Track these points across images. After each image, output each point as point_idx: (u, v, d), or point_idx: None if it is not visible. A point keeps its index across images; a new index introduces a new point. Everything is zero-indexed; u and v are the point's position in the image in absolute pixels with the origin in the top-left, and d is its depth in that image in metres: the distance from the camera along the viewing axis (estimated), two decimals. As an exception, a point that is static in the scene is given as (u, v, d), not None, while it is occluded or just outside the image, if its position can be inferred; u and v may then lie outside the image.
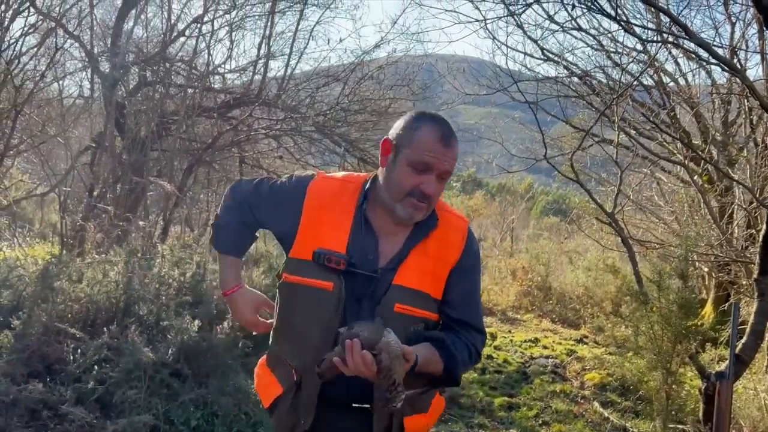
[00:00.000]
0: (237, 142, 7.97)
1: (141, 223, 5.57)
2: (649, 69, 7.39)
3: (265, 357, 1.81)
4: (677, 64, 8.27)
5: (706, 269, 7.79)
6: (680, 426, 3.67)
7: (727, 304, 4.91)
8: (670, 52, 7.14)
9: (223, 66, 8.35)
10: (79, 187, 7.22)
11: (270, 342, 1.78)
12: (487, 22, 5.62)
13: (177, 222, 7.60)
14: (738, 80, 8.04)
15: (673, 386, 3.50)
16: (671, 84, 8.05)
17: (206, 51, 7.91)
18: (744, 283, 4.59)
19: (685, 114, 8.12)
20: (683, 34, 2.63)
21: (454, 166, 1.62)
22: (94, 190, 6.69)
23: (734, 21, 7.46)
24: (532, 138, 10.01)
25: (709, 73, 7.92)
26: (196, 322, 3.71)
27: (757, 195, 6.33)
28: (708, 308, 7.40)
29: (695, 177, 7.35)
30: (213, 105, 7.64)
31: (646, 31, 3.97)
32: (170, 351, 3.56)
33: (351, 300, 1.59)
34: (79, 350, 3.57)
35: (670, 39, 2.90)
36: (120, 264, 4.26)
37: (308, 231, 1.64)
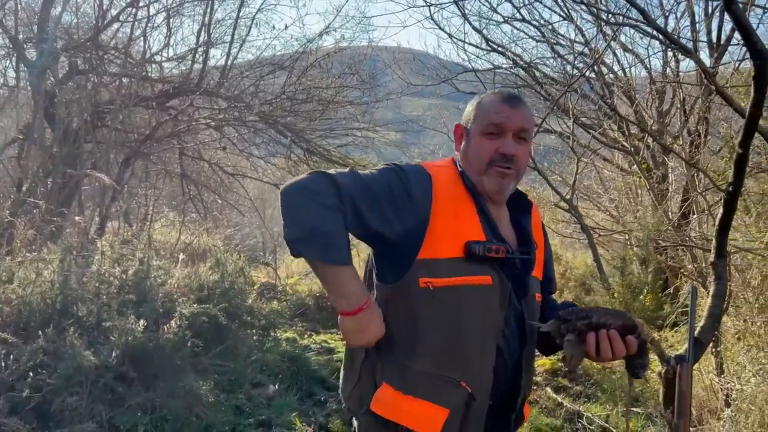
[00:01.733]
0: (177, 132, 7.64)
1: (76, 218, 5.24)
2: (590, 60, 7.56)
3: (388, 387, 1.45)
4: (615, 55, 8.48)
5: (643, 254, 8.07)
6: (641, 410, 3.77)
7: (672, 288, 5.08)
8: (609, 45, 7.28)
9: (160, 54, 7.99)
10: (5, 181, 6.77)
11: (401, 362, 1.45)
12: (432, 9, 5.60)
13: (114, 217, 7.23)
14: (671, 71, 8.36)
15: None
16: (610, 75, 8.25)
17: (142, 38, 7.56)
18: (689, 267, 4.74)
19: (623, 105, 8.35)
20: (641, 18, 2.65)
21: (530, 123, 1.52)
22: (22, 184, 6.27)
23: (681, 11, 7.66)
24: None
25: (645, 66, 8.19)
26: (141, 321, 3.50)
27: (693, 182, 6.62)
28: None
29: (633, 166, 7.59)
30: (150, 94, 7.29)
31: (606, 15, 3.98)
32: (114, 353, 3.36)
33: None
34: (11, 356, 3.31)
35: (629, 22, 2.91)
36: (55, 262, 3.99)
37: (447, 225, 1.44)
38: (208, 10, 7.29)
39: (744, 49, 6.41)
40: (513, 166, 1.50)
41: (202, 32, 7.38)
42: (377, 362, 1.48)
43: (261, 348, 4.52)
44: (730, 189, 2.43)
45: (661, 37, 2.97)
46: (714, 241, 2.58)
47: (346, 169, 1.45)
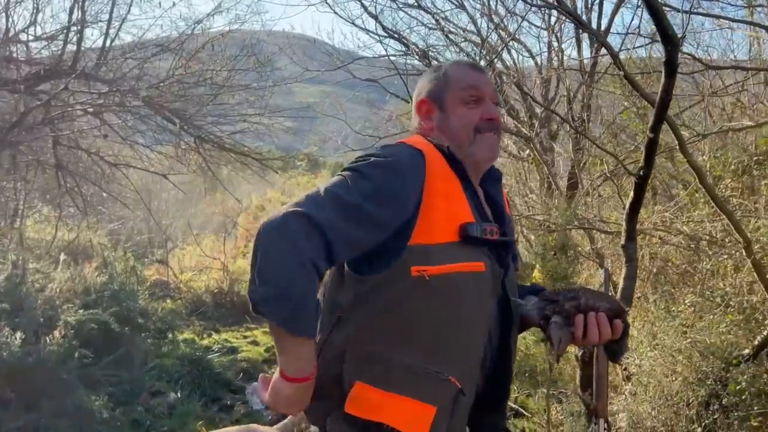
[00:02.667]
0: (50, 119, 6.92)
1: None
2: (483, 51, 7.73)
3: (366, 386, 1.31)
4: (507, 46, 8.71)
5: (533, 237, 8.42)
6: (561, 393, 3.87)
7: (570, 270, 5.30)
8: (500, 35, 7.45)
9: (26, 32, 7.17)
10: None
11: (383, 358, 1.30)
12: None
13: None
14: (557, 59, 8.74)
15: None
16: (500, 63, 8.46)
17: (4, 14, 6.74)
18: (588, 249, 4.95)
19: (513, 93, 8.62)
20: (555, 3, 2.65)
21: None
22: None
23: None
24: (371, 116, 10.08)
25: (532, 56, 8.50)
26: (18, 334, 3.08)
27: (579, 165, 6.99)
28: (536, 274, 8.00)
29: (526, 152, 7.90)
30: (17, 77, 6.53)
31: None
32: (-15, 372, 2.92)
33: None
34: None
35: (541, 3, 2.92)
36: None
37: (440, 206, 1.31)
38: (81, -16, 6.63)
39: (622, 39, 6.83)
40: (497, 131, 1.47)
41: (76, 9, 6.71)
42: (345, 362, 1.33)
43: (158, 353, 4.19)
44: (641, 173, 2.50)
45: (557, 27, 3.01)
46: (624, 225, 2.65)
47: (320, 192, 1.25)
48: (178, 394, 3.80)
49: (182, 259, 9.98)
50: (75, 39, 6.86)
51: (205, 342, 5.47)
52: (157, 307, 5.24)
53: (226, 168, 10.11)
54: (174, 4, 11.73)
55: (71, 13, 6.78)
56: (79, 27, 6.87)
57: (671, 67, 2.21)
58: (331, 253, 1.20)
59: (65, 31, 6.95)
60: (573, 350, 4.11)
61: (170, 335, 4.70)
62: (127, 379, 3.66)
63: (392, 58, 8.20)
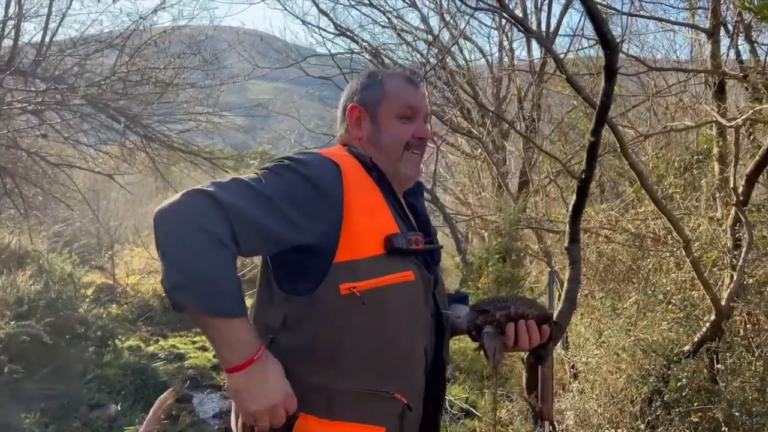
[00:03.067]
0: (-16, 118, 6.59)
1: None
2: (434, 49, 7.76)
3: (310, 417, 1.24)
4: (458, 44, 8.75)
5: (486, 233, 8.51)
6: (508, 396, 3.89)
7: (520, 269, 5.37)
8: (461, 34, 7.48)
9: (-44, 26, 6.80)
10: None
11: (323, 386, 1.25)
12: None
13: None
14: (507, 59, 8.84)
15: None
16: (453, 64, 8.51)
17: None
18: (535, 248, 5.00)
19: (465, 92, 8.67)
20: (498, 6, 2.65)
21: None
22: None
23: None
24: (325, 113, 9.99)
25: (484, 55, 8.57)
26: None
27: (530, 164, 7.09)
28: (482, 279, 8.10)
29: (476, 150, 7.96)
30: (-54, 73, 6.19)
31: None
32: None
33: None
34: None
35: (484, 7, 2.91)
36: None
37: (363, 220, 1.27)
38: (17, -24, 6.34)
39: (570, 40, 6.95)
40: (423, 150, 1.47)
41: (12, 3, 6.42)
42: None
43: (99, 363, 4.02)
44: (583, 176, 2.51)
45: (508, 26, 3.01)
46: (567, 227, 2.67)
47: (227, 179, 1.20)
48: (119, 406, 3.66)
49: (130, 261, 9.67)
50: (12, 33, 6.57)
51: (152, 349, 5.30)
52: (101, 313, 5.04)
53: (177, 167, 9.85)
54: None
55: (7, 6, 6.49)
56: (16, 21, 6.58)
57: (610, 71, 2.22)
58: (235, 233, 1.13)
59: (1, 25, 6.63)
60: (520, 354, 4.15)
61: (113, 343, 4.52)
62: (63, 393, 3.50)
63: (345, 56, 8.17)
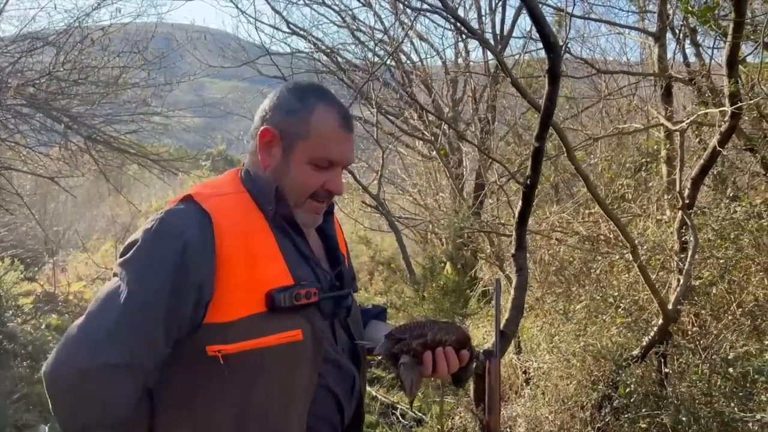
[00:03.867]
0: None
1: None
2: (389, 48, 7.68)
3: None
4: (413, 44, 8.70)
5: (445, 235, 8.49)
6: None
7: (473, 272, 5.33)
8: (407, 34, 7.42)
9: None
10: None
11: None
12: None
13: None
14: (462, 61, 8.83)
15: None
16: (408, 64, 8.45)
17: None
18: (487, 251, 4.97)
19: (421, 93, 8.63)
20: (440, 6, 2.57)
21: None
22: None
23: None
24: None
25: (440, 56, 8.55)
26: None
27: (485, 167, 7.08)
28: (448, 267, 8.08)
29: (433, 152, 7.92)
30: None
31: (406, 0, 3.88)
32: None
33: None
34: None
35: (428, 8, 2.83)
36: None
37: (239, 275, 1.13)
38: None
39: (523, 42, 6.97)
40: (328, 201, 1.31)
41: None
42: None
43: (30, 380, 3.78)
44: (528, 182, 2.45)
45: (460, 27, 2.96)
46: (514, 233, 2.61)
47: (85, 319, 1.10)
48: (47, 427, 3.44)
49: (76, 267, 9.30)
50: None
51: None
52: (39, 324, 4.77)
53: (129, 170, 9.51)
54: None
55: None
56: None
57: (554, 74, 2.16)
58: (141, 367, 1.10)
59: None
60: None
61: (47, 357, 4.27)
62: (-14, 414, 3.27)
63: (300, 55, 8.02)
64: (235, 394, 1.13)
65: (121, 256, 1.14)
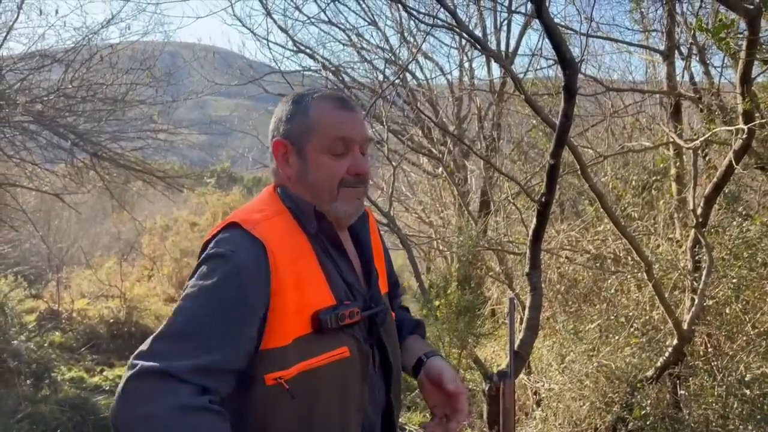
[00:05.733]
0: None
1: None
2: (394, 67, 7.71)
3: None
4: (418, 63, 8.73)
5: (453, 253, 8.43)
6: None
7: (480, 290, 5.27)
8: (418, 50, 7.44)
9: None
10: None
11: None
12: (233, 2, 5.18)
13: None
14: (467, 79, 8.86)
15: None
16: (414, 82, 8.48)
17: None
18: (497, 269, 4.92)
19: (426, 111, 8.64)
20: (453, 23, 2.56)
21: (368, 128, 1.28)
22: None
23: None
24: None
25: (445, 74, 8.57)
26: None
27: (491, 184, 7.05)
28: (454, 286, 8.02)
29: (438, 169, 7.92)
30: None
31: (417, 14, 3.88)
32: None
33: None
34: None
35: (441, 23, 2.83)
36: None
37: (290, 299, 1.13)
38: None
39: (527, 60, 6.99)
40: (365, 185, 1.27)
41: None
42: None
43: (34, 398, 3.73)
44: (543, 200, 2.42)
45: (470, 42, 2.95)
46: (528, 252, 2.57)
47: (154, 343, 1.05)
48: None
49: (79, 284, 9.25)
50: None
51: (96, 380, 4.99)
52: (42, 341, 4.72)
53: (134, 186, 9.51)
54: (56, 11, 10.89)
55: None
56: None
57: (570, 91, 2.14)
58: (201, 385, 1.03)
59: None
60: (480, 387, 4.02)
61: (51, 376, 4.22)
62: (-11, 434, 3.22)
63: (306, 73, 8.04)
64: (298, 416, 1.14)
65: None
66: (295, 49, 7.74)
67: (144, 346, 1.06)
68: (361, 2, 7.79)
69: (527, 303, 2.59)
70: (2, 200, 8.38)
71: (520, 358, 2.51)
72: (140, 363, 1.01)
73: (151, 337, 1.08)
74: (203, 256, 1.15)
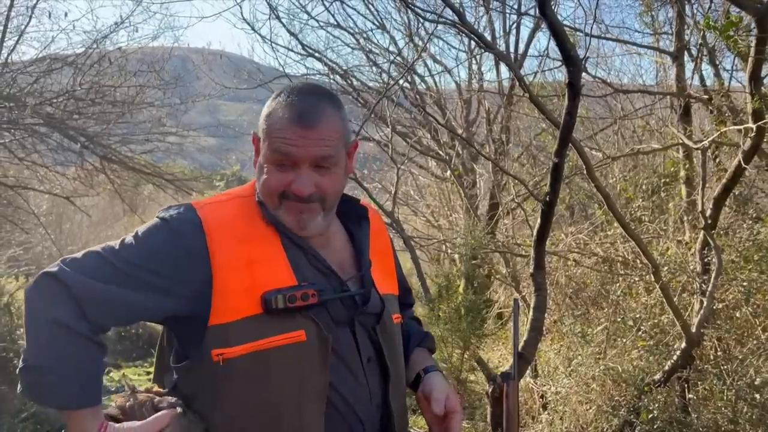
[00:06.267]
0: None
1: None
2: (402, 69, 7.70)
3: None
4: (426, 66, 8.72)
5: (460, 254, 8.39)
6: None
7: (489, 291, 5.25)
8: (424, 48, 7.43)
9: None
10: None
11: None
12: (242, 7, 5.22)
13: None
14: (476, 81, 8.83)
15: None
16: (422, 85, 8.45)
17: None
18: (504, 272, 4.89)
19: (435, 114, 8.61)
20: (458, 20, 2.54)
21: (333, 146, 1.16)
22: None
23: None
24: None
25: (453, 76, 8.56)
26: None
27: (499, 187, 7.02)
28: (461, 286, 7.95)
29: (446, 172, 7.89)
30: None
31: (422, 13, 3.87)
32: None
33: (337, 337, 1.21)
34: None
35: (446, 21, 2.82)
36: None
37: (235, 277, 1.12)
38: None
39: (537, 61, 6.96)
40: (316, 203, 1.18)
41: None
42: None
43: (39, 398, 3.72)
44: (547, 199, 2.39)
45: (478, 42, 2.94)
46: (532, 252, 2.54)
47: (82, 253, 1.13)
48: (55, 448, 3.39)
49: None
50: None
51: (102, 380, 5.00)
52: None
53: (145, 190, 9.58)
54: (66, 15, 10.95)
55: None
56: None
57: (574, 88, 2.11)
58: (84, 311, 1.07)
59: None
60: (483, 388, 3.99)
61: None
62: (-6, 433, 3.23)
63: (315, 77, 8.05)
64: (246, 399, 1.13)
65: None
66: (303, 52, 7.77)
67: (77, 256, 1.12)
68: (370, 5, 7.81)
69: (531, 305, 2.56)
70: (14, 203, 8.47)
71: (524, 359, 2.47)
72: (56, 269, 1.08)
73: (86, 252, 1.13)
74: (153, 222, 1.19)
